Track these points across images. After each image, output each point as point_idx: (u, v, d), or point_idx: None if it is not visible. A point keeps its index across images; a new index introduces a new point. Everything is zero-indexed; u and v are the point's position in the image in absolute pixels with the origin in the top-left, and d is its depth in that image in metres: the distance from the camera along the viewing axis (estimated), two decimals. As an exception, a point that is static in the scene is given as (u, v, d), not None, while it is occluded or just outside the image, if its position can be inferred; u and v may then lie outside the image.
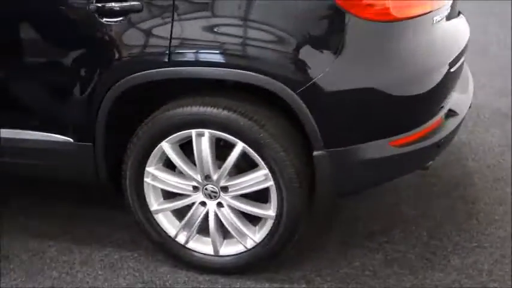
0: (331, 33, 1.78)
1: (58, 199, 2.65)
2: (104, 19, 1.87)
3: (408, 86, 1.86)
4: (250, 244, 2.04)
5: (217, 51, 1.82)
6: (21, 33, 2.03)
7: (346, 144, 1.86)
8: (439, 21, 1.94)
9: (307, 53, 1.77)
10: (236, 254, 2.08)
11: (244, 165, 1.97)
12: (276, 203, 1.94)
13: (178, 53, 1.84)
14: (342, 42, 1.75)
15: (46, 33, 2.00)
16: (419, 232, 2.32)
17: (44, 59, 2.05)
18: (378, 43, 1.79)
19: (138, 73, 1.88)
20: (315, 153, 1.86)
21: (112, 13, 1.86)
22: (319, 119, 1.80)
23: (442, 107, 2.02)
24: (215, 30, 1.81)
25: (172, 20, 1.81)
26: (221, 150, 1.96)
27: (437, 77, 1.92)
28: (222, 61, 1.82)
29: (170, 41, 1.82)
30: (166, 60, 1.84)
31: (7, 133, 2.15)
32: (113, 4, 1.84)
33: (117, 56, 1.91)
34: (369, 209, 2.49)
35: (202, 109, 1.87)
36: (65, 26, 1.97)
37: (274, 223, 1.98)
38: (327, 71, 1.76)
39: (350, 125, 1.85)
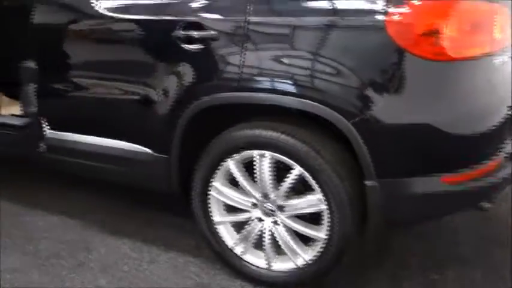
0: (389, 69, 1.87)
1: (137, 203, 2.92)
2: (186, 46, 2.11)
3: (463, 125, 1.90)
4: (300, 262, 2.16)
5: (281, 80, 1.98)
6: (116, 54, 2.34)
7: (398, 176, 1.94)
8: (499, 62, 1.97)
9: (364, 87, 1.88)
10: (287, 271, 2.21)
11: (301, 188, 2.11)
12: (327, 226, 2.05)
13: (247, 79, 2.03)
14: (398, 78, 1.85)
15: (136, 54, 2.28)
16: (474, 275, 2.32)
17: (134, 78, 2.32)
18: (434, 81, 1.86)
19: (211, 96, 2.10)
20: (367, 182, 1.95)
21: (192, 41, 2.09)
22: (373, 150, 1.90)
23: (501, 149, 2.03)
24: (282, 60, 1.97)
25: (244, 49, 2.01)
26: (281, 171, 2.11)
27: (496, 118, 1.94)
28: (286, 90, 1.98)
29: (241, 68, 2.02)
30: (237, 85, 2.04)
31: (97, 140, 2.45)
32: (194, 33, 2.08)
33: (194, 79, 2.14)
34: (426, 245, 2.51)
35: (264, 132, 2.04)
36: (153, 50, 2.24)
37: (324, 245, 2.09)
38: (382, 104, 1.86)
39: (402, 158, 1.93)
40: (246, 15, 2.00)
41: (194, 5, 2.14)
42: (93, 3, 2.34)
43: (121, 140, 2.40)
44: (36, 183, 3.24)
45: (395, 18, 1.80)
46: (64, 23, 2.46)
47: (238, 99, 2.07)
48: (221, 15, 2.07)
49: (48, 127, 2.62)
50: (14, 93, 3.32)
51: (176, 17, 2.14)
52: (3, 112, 3.22)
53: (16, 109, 3.10)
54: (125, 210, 2.89)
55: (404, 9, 1.80)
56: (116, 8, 2.30)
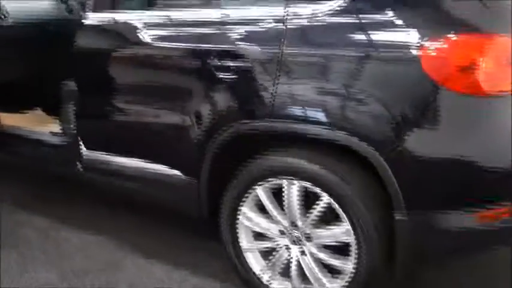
0: (422, 103, 1.86)
1: (169, 225, 2.95)
2: (221, 74, 2.14)
3: (498, 159, 1.86)
4: (327, 293, 2.14)
5: (313, 110, 1.98)
6: (153, 79, 2.41)
7: (428, 210, 1.91)
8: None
9: (396, 119, 1.87)
10: (313, 301, 2.19)
11: (330, 217, 2.09)
12: (355, 258, 2.02)
13: (279, 108, 2.04)
14: (432, 112, 1.83)
15: (174, 81, 2.34)
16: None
17: (169, 103, 2.37)
18: (468, 115, 1.83)
19: (243, 123, 2.12)
20: (396, 215, 1.92)
21: (227, 69, 2.12)
22: (403, 183, 1.88)
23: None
24: (314, 91, 1.98)
25: (277, 79, 2.03)
26: (310, 200, 2.10)
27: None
28: (316, 120, 1.98)
29: (273, 98, 2.03)
30: (268, 114, 2.05)
31: (131, 162, 2.51)
32: (229, 62, 2.12)
33: (227, 106, 2.17)
34: (456, 280, 2.45)
35: (294, 161, 2.04)
36: (189, 77, 2.29)
37: (351, 278, 2.06)
38: (414, 137, 1.84)
39: (433, 192, 1.90)
40: (280, 46, 2.02)
41: (230, 34, 2.18)
42: (139, 31, 2.41)
43: (154, 162, 2.45)
44: (72, 199, 3.30)
45: (430, 52, 1.79)
46: (106, 48, 2.54)
47: (269, 128, 2.08)
48: (256, 45, 2.10)
49: (85, 147, 2.68)
50: (55, 111, 3.45)
51: (212, 45, 2.19)
52: (43, 129, 3.33)
53: (55, 127, 3.20)
54: (157, 232, 2.91)
55: (440, 44, 1.79)
56: (159, 36, 2.37)
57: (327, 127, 1.96)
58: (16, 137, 3.13)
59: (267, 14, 2.10)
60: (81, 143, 2.70)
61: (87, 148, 2.68)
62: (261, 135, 2.12)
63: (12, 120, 3.50)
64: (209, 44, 2.21)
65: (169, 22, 2.36)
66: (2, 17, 3.26)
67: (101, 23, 2.54)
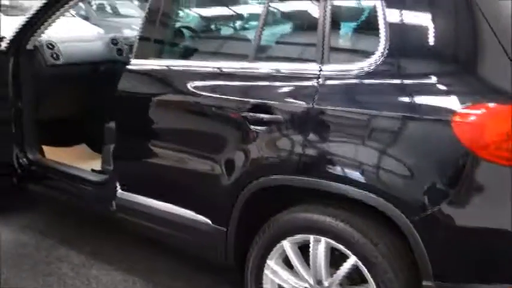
0: (454, 169, 1.80)
1: (198, 268, 2.95)
2: (253, 126, 2.16)
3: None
4: None
5: (342, 170, 1.96)
6: (189, 127, 2.46)
7: (458, 281, 1.83)
8: None
9: (428, 185, 1.82)
10: None
11: (357, 278, 2.04)
12: (379, 321, 1.96)
13: (307, 164, 2.03)
14: (463, 179, 1.78)
15: (208, 129, 2.38)
16: None
17: (202, 150, 2.39)
18: (502, 185, 1.76)
19: (271, 176, 2.13)
20: (424, 282, 1.86)
21: (259, 122, 2.14)
22: (432, 251, 1.82)
23: None
24: (344, 150, 1.97)
25: (307, 135, 2.03)
26: (336, 258, 2.06)
27: None
28: (345, 179, 1.95)
29: (303, 154, 2.03)
30: (297, 169, 2.05)
31: (162, 205, 2.54)
32: (261, 115, 2.13)
33: (258, 158, 2.18)
34: None
35: (322, 218, 2.02)
36: (223, 127, 2.31)
37: None
38: (444, 205, 1.79)
39: (463, 263, 1.83)
40: (312, 103, 2.03)
41: (263, 88, 2.21)
42: (177, 80, 2.48)
43: (184, 207, 2.46)
44: (108, 236, 3.37)
45: (466, 119, 1.75)
46: (144, 93, 2.61)
47: (298, 183, 2.07)
48: (288, 100, 2.11)
49: (120, 187, 2.74)
50: (99, 147, 3.56)
51: (246, 98, 2.22)
52: (85, 166, 3.43)
53: (97, 164, 3.30)
54: (187, 275, 2.91)
55: (476, 111, 1.75)
56: (196, 86, 2.41)
57: (355, 186, 1.94)
58: (58, 172, 3.23)
59: (300, 71, 2.13)
60: (117, 183, 2.76)
61: (122, 188, 2.73)
62: (290, 190, 2.11)
63: (56, 154, 3.64)
64: (244, 96, 2.23)
65: (206, 72, 2.42)
66: (55, 56, 3.42)
67: (141, 69, 2.62)
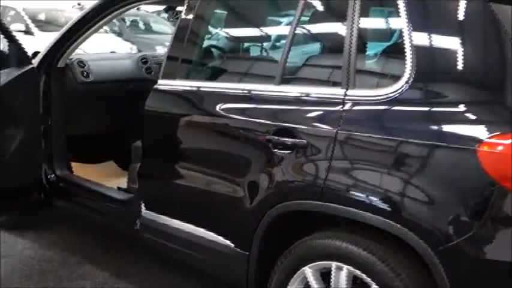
0: (480, 200, 1.76)
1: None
2: (276, 150, 2.15)
3: None
4: None
5: (365, 197, 1.93)
6: (214, 149, 2.47)
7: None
8: None
9: (452, 215, 1.78)
10: None
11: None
12: None
13: (331, 189, 2.00)
14: (489, 210, 1.73)
15: (233, 152, 2.38)
16: None
17: (227, 173, 2.38)
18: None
19: (294, 201, 2.10)
20: (448, 316, 1.80)
21: (283, 146, 2.13)
22: (454, 282, 1.77)
23: None
24: (368, 177, 1.93)
25: (331, 160, 2.00)
26: (358, 286, 2.02)
27: None
28: (369, 206, 1.92)
29: (326, 179, 2.01)
30: (320, 194, 2.02)
31: (185, 226, 2.54)
32: (285, 139, 2.12)
33: (281, 182, 2.16)
34: None
35: (344, 245, 1.98)
36: (248, 150, 2.31)
37: None
38: (468, 236, 1.74)
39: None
40: (337, 128, 2.00)
41: (288, 112, 2.21)
42: (202, 101, 2.49)
43: (207, 229, 2.46)
44: (129, 255, 3.38)
45: (492, 148, 1.70)
46: (170, 113, 2.64)
47: (320, 209, 2.04)
48: (312, 124, 2.10)
49: (145, 206, 2.75)
50: (127, 165, 3.59)
51: (270, 121, 2.21)
52: (111, 183, 3.46)
53: (124, 182, 3.32)
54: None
55: (503, 141, 1.70)
56: (220, 107, 2.41)
57: (378, 214, 1.90)
58: (85, 189, 3.26)
59: (325, 95, 2.11)
60: (142, 202, 2.77)
61: (147, 208, 2.74)
62: (312, 215, 2.09)
63: (84, 170, 3.68)
64: (269, 119, 2.23)
65: (232, 94, 2.43)
66: (85, 74, 3.48)
67: (168, 89, 2.64)
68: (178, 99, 2.63)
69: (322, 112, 2.11)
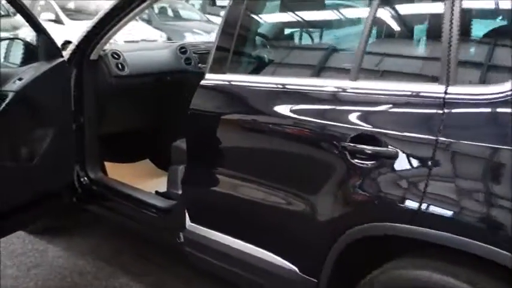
0: None
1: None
2: (354, 159, 1.78)
3: None
4: None
5: (471, 220, 1.56)
6: (273, 156, 2.09)
7: None
8: None
9: None
10: None
11: None
12: None
13: (429, 211, 1.63)
14: None
15: (296, 160, 2.00)
16: None
17: (289, 185, 2.02)
18: None
19: (378, 223, 1.73)
20: None
21: (363, 155, 1.75)
22: None
23: None
24: (473, 195, 1.56)
25: (429, 175, 1.62)
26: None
27: None
28: (475, 232, 1.55)
29: (422, 198, 1.63)
30: (413, 216, 1.65)
31: (238, 244, 2.20)
32: (366, 147, 1.74)
33: (359, 200, 1.79)
34: None
35: (438, 277, 1.60)
36: (316, 158, 1.93)
37: None
38: None
39: None
40: (437, 134, 1.61)
41: (369, 114, 1.82)
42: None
43: (265, 249, 2.11)
44: (169, 267, 3.06)
45: None
46: (225, 113, 2.26)
47: (413, 234, 1.67)
48: (403, 130, 1.70)
49: (190, 218, 2.42)
50: (164, 164, 3.27)
51: (347, 125, 1.82)
52: (148, 184, 3.15)
53: (161, 183, 3.00)
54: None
55: None
56: (284, 107, 2.03)
57: (486, 242, 1.52)
58: (121, 194, 2.95)
59: (419, 93, 1.71)
60: (186, 212, 2.43)
61: (192, 220, 2.40)
62: (399, 240, 1.72)
63: (119, 170, 3.40)
64: (344, 122, 1.83)
65: (296, 91, 2.04)
66: (120, 66, 3.16)
67: (218, 85, 2.27)
68: (231, 97, 2.27)
69: (416, 114, 1.71)
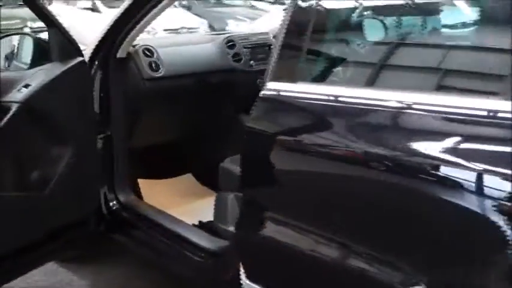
0: None
1: None
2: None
3: None
4: None
5: None
6: (364, 199, 1.42)
7: None
8: None
9: None
10: None
11: None
12: None
13: None
14: None
15: (401, 205, 1.35)
16: None
17: (385, 241, 1.39)
18: None
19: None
20: None
21: None
22: None
23: None
24: None
25: None
26: None
27: None
28: None
29: None
30: None
31: None
32: None
33: None
34: None
35: None
36: (441, 213, 1.28)
37: None
38: None
39: None
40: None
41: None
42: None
43: None
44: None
45: None
46: (295, 134, 1.63)
47: None
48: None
49: (246, 274, 1.80)
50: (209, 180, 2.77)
51: (498, 168, 1.16)
52: (191, 207, 2.67)
53: (206, 206, 2.41)
54: None
55: None
56: (387, 132, 1.41)
57: None
58: (157, 225, 2.38)
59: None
60: (241, 264, 1.82)
61: (249, 278, 1.78)
62: None
63: (155, 188, 2.87)
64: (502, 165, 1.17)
65: (400, 110, 1.39)
66: (154, 66, 2.56)
67: (285, 97, 1.65)
68: (305, 114, 1.62)
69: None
